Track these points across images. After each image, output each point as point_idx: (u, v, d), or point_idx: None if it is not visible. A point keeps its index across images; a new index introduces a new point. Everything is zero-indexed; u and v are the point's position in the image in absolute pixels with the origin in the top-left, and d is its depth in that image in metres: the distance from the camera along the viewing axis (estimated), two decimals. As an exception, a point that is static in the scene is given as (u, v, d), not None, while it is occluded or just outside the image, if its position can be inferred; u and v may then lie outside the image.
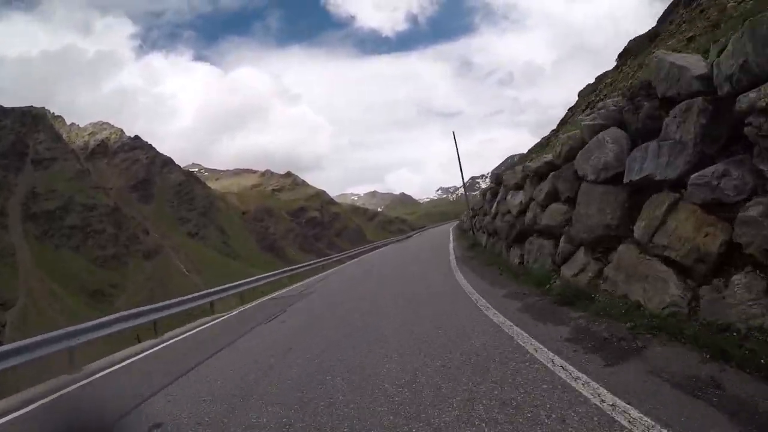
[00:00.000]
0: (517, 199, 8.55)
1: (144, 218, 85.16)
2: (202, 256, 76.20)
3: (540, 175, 7.19)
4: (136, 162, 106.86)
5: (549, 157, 6.73)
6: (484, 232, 14.18)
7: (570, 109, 28.04)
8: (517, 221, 8.51)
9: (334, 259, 25.48)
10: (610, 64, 22.58)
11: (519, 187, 8.60)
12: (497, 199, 11.29)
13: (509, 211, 9.11)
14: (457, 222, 44.02)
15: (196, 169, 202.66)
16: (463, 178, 23.28)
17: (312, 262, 22.79)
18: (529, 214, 7.56)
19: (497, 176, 11.81)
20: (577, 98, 28.00)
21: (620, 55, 20.91)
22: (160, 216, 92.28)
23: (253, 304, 12.31)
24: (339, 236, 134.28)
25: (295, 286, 15.54)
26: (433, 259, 14.33)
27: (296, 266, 19.97)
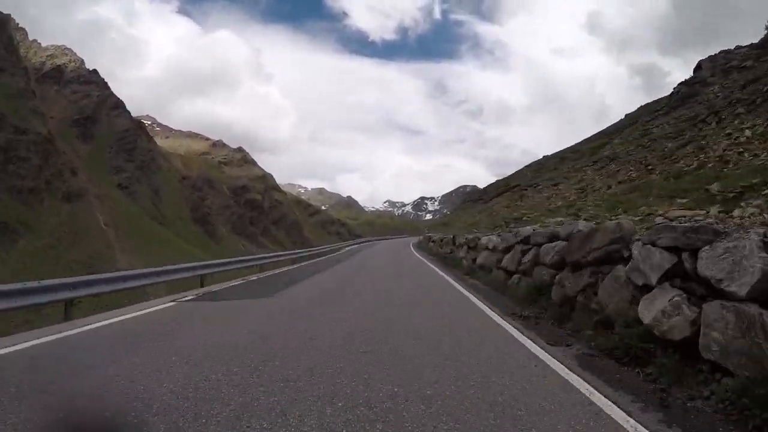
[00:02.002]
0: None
1: (77, 157, 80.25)
2: (126, 212, 72.37)
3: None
4: (86, 97, 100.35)
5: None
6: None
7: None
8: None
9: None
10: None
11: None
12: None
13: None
14: (418, 240, 43.21)
15: (149, 122, 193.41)
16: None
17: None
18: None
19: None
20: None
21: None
22: (95, 159, 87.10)
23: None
24: (276, 225, 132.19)
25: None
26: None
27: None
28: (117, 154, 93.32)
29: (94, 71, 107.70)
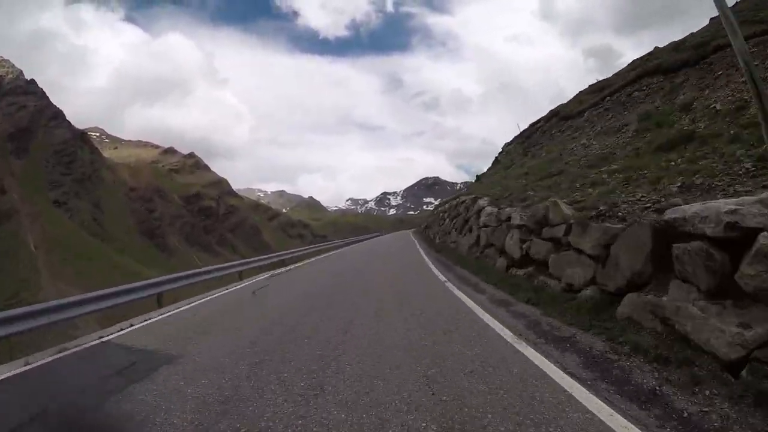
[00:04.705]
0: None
1: (9, 174, 74.85)
2: (62, 231, 67.58)
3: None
4: (22, 108, 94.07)
5: None
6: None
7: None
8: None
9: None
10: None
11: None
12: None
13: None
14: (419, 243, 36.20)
15: (97, 134, 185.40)
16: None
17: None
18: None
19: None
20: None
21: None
22: (30, 175, 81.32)
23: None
24: (233, 232, 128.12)
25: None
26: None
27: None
28: (54, 168, 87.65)
29: (32, 81, 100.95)
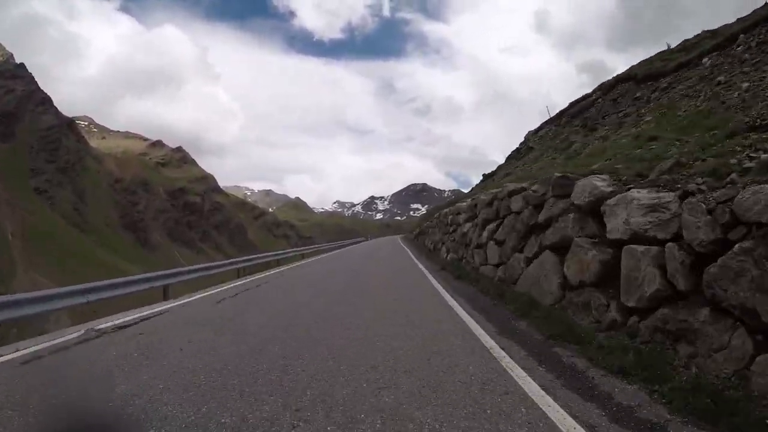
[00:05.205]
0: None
1: (-9, 159, 73.31)
2: (41, 220, 66.09)
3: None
4: (10, 92, 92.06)
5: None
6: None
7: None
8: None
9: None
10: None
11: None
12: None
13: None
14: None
15: (86, 123, 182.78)
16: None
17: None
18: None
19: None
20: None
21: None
22: (13, 161, 79.47)
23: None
24: (217, 229, 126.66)
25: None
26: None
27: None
28: (37, 155, 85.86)
29: (21, 65, 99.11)
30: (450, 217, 18.23)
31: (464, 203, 16.28)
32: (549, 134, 24.28)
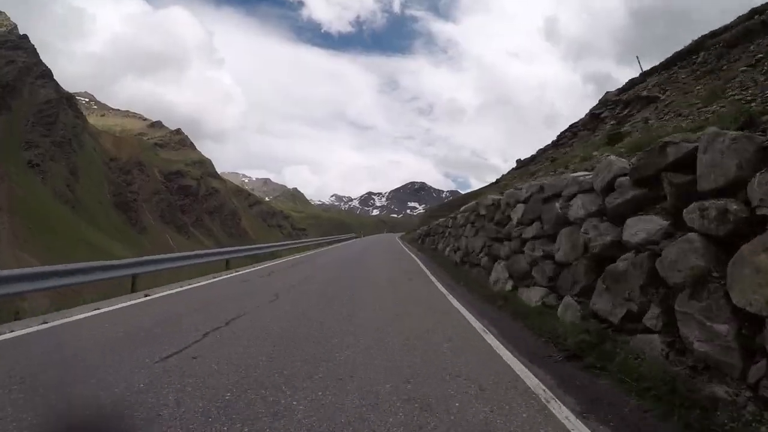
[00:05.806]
0: None
1: (-15, 127, 72.21)
2: (31, 194, 65.05)
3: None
4: (11, 63, 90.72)
5: None
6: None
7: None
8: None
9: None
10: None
11: None
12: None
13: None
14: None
15: (86, 99, 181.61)
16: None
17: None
18: None
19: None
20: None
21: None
22: (7, 133, 78.40)
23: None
24: (210, 215, 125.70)
25: None
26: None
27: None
28: (33, 128, 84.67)
29: (25, 36, 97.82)
30: (468, 216, 13.00)
31: (526, 189, 8.16)
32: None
